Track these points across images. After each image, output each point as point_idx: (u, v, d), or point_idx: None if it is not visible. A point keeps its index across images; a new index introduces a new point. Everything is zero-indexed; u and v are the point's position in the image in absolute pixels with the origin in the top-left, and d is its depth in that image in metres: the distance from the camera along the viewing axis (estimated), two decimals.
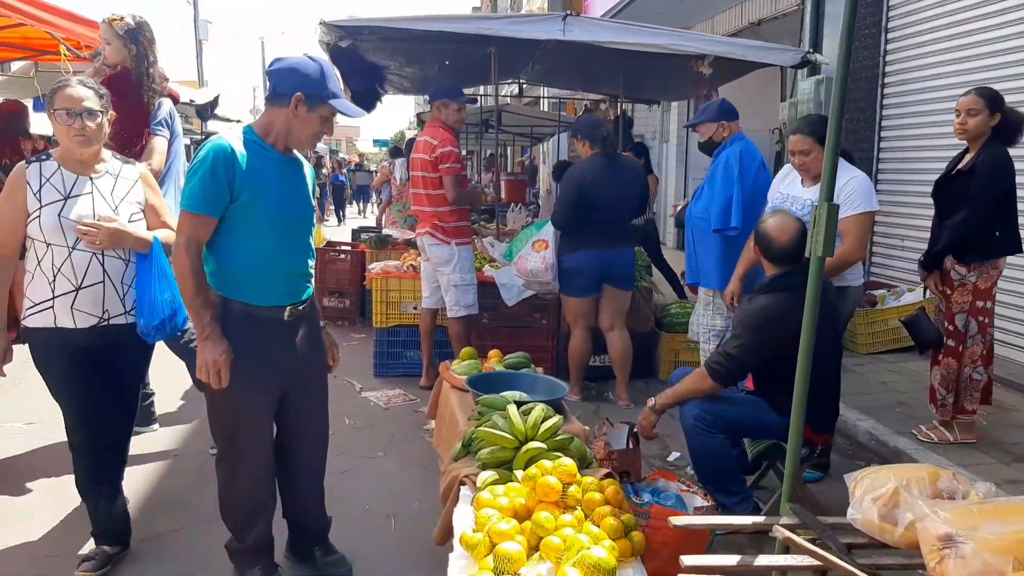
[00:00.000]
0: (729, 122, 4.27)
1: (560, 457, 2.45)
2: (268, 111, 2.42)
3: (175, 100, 4.51)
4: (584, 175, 4.69)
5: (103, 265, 2.65)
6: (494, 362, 3.73)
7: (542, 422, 2.54)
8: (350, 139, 59.15)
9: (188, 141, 13.69)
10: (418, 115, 12.33)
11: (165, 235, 2.76)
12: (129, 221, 2.70)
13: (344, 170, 24.10)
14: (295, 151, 2.54)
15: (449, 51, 5.82)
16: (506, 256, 5.32)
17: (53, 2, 5.49)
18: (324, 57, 2.45)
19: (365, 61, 6.04)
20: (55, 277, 2.61)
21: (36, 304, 2.63)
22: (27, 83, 8.96)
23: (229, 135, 2.38)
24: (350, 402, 4.84)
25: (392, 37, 5.22)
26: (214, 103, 10.43)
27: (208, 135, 11.62)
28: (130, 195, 2.75)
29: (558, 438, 2.53)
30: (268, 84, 2.44)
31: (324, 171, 21.78)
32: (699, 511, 2.57)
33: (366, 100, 7.53)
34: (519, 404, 2.85)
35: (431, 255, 4.94)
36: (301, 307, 2.55)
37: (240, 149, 2.33)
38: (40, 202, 2.59)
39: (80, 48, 6.18)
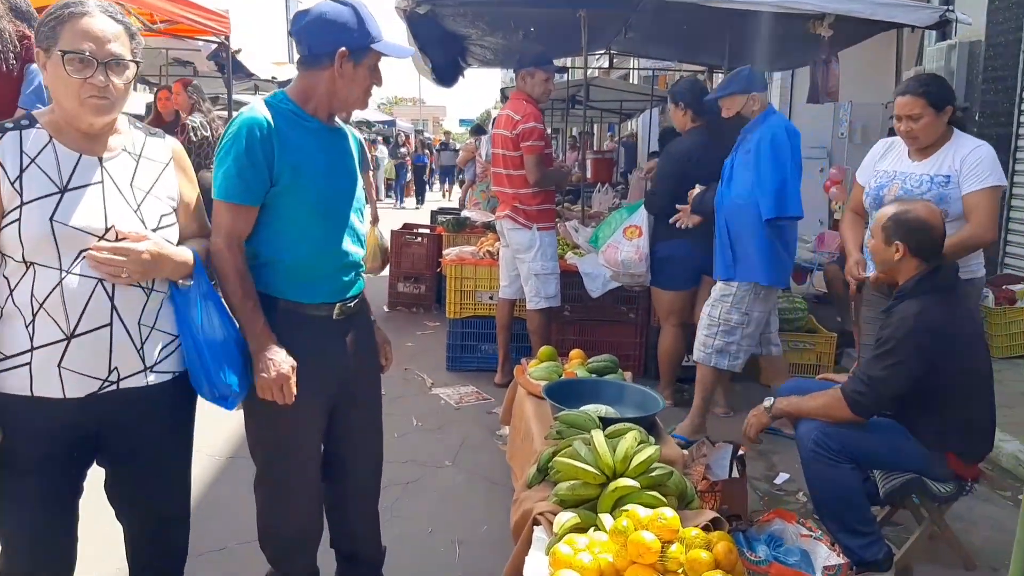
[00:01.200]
0: (759, 93, 3.73)
1: (655, 495, 2.00)
2: (304, 75, 2.03)
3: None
4: (690, 152, 4.15)
5: (112, 298, 1.70)
6: (576, 364, 3.29)
7: (635, 453, 2.08)
8: (436, 119, 59.35)
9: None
10: (502, 90, 11.87)
11: (202, 246, 1.94)
12: (158, 228, 1.79)
13: (427, 150, 23.91)
14: (338, 120, 2.14)
15: (534, 17, 5.35)
16: (591, 242, 4.83)
17: None
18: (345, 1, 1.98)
19: (445, 30, 5.65)
20: (35, 316, 1.66)
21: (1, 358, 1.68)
22: None
23: (261, 106, 1.98)
24: (419, 400, 4.49)
25: (476, 3, 4.78)
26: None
27: None
28: (159, 186, 1.83)
29: (654, 474, 2.06)
30: (299, 45, 2.02)
31: (403, 150, 21.66)
32: (829, 572, 2.06)
33: (448, 73, 7.17)
34: (605, 421, 2.42)
35: (511, 240, 4.52)
36: (352, 303, 2.16)
37: (273, 120, 1.94)
38: (21, 196, 1.65)
39: (153, 21, 6.05)
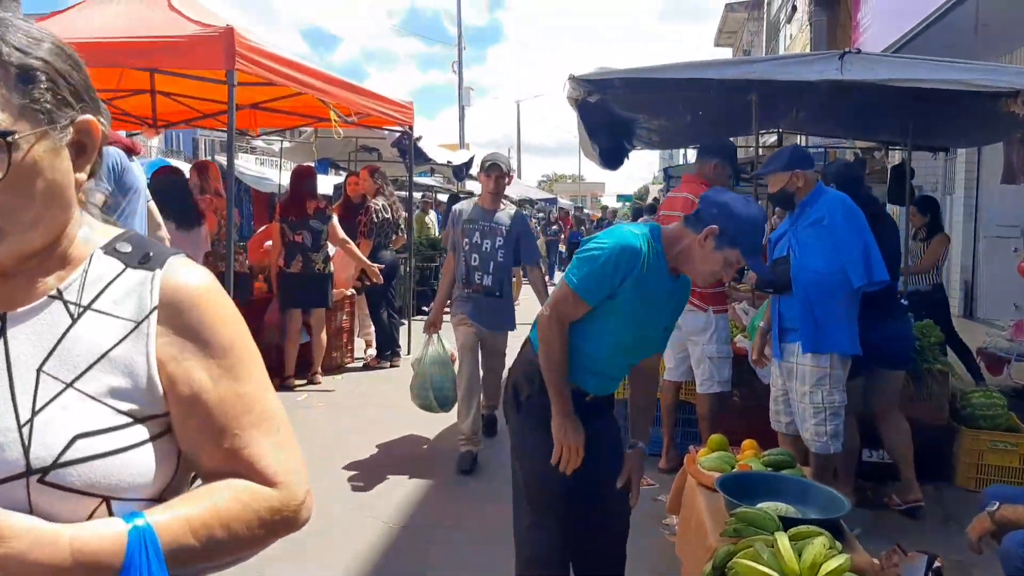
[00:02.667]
0: (804, 171, 3.74)
1: None
2: (682, 228, 2.38)
3: (130, 151, 4.25)
4: None
5: None
6: (749, 456, 3.16)
7: (823, 561, 1.96)
8: (595, 195, 60.25)
9: (442, 197, 14.50)
10: (665, 170, 11.92)
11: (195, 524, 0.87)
12: (65, 463, 0.83)
13: (582, 227, 24.26)
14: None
15: (703, 100, 5.38)
16: (750, 328, 4.69)
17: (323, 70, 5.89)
18: (757, 207, 2.43)
19: (614, 115, 5.80)
20: None
21: None
22: (308, 148, 10.01)
23: (640, 235, 2.31)
24: None
25: (644, 88, 4.90)
26: (469, 164, 10.89)
27: (464, 194, 12.23)
28: (101, 369, 0.88)
29: None
30: (697, 209, 2.40)
31: (555, 228, 22.05)
32: None
33: (613, 156, 7.32)
34: (786, 521, 2.30)
35: (683, 323, 4.47)
36: (601, 397, 2.52)
37: (645, 254, 2.27)
38: None
39: (348, 114, 6.67)
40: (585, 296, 2.27)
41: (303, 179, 6.39)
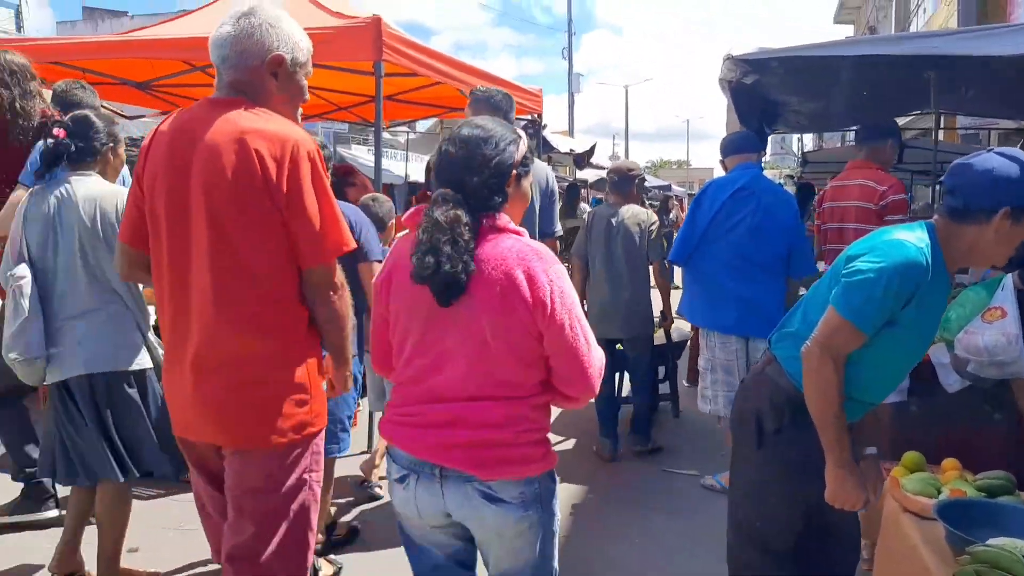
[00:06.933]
0: None
1: None
2: (947, 225, 2.02)
3: None
4: None
5: None
6: (955, 478, 2.82)
7: None
8: (703, 181, 58.53)
9: (557, 187, 14.30)
10: (803, 154, 11.28)
11: None
12: None
13: None
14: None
15: (870, 79, 4.94)
16: (943, 326, 4.24)
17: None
18: (1012, 154, 1.97)
19: (763, 99, 5.44)
20: None
21: None
22: (433, 139, 10.03)
23: (918, 244, 1.97)
24: None
25: (806, 68, 4.53)
26: (590, 152, 10.65)
27: (579, 182, 12.00)
28: None
29: None
30: (956, 198, 2.00)
31: (672, 216, 21.35)
32: None
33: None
34: None
35: None
36: None
37: (928, 266, 1.95)
38: None
39: None
40: (863, 326, 1.95)
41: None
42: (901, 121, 6.96)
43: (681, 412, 5.70)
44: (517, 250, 1.76)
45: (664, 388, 5.59)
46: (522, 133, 1.96)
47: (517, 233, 1.82)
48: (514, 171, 1.83)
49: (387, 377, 2.08)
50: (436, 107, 7.89)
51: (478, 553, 1.96)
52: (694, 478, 4.44)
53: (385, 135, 14.05)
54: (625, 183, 4.97)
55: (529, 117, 7.70)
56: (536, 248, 1.80)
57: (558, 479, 2.12)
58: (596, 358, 1.83)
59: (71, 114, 3.02)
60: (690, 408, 5.71)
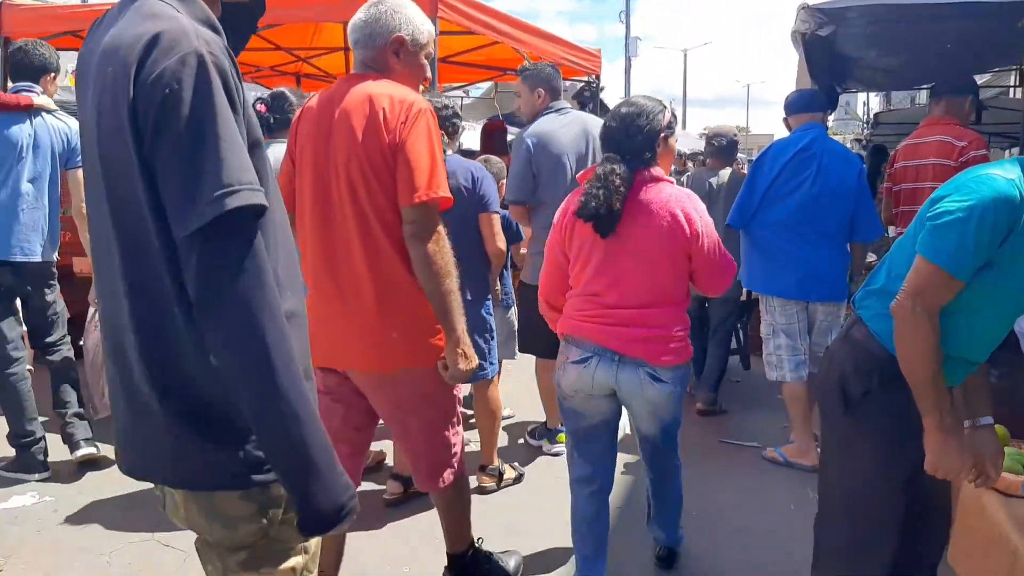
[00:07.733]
0: None
1: None
2: None
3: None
4: None
5: None
6: None
7: None
8: (762, 147, 56.86)
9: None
10: (876, 115, 10.76)
11: None
12: None
13: None
14: None
15: (955, 31, 4.61)
16: None
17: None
18: None
19: (838, 54, 5.15)
20: None
21: None
22: (489, 103, 9.85)
23: (1010, 175, 1.75)
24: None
25: (886, 18, 4.25)
26: None
27: None
28: None
29: None
30: None
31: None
32: None
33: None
34: None
35: None
36: None
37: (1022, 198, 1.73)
38: None
39: (537, 59, 6.37)
40: (957, 272, 1.75)
41: (495, 133, 6.24)
42: (979, 80, 6.53)
43: (739, 382, 5.54)
44: (675, 195, 2.47)
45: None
46: (667, 103, 2.54)
47: (669, 181, 2.50)
48: (662, 134, 2.49)
49: (547, 314, 2.73)
50: (491, 69, 7.73)
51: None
52: (755, 450, 4.29)
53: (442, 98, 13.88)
54: (732, 149, 5.18)
55: (587, 79, 7.50)
56: (687, 192, 2.54)
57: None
58: (728, 264, 2.57)
59: (271, 91, 3.69)
60: (748, 377, 5.54)
